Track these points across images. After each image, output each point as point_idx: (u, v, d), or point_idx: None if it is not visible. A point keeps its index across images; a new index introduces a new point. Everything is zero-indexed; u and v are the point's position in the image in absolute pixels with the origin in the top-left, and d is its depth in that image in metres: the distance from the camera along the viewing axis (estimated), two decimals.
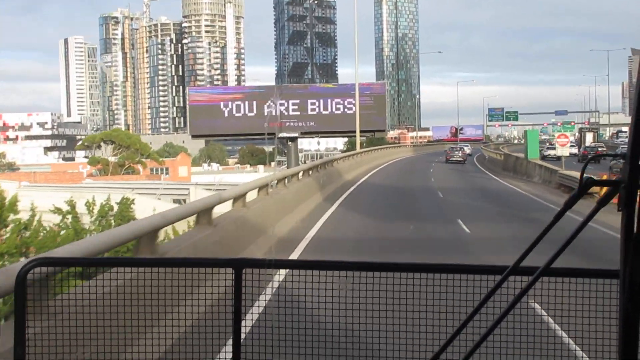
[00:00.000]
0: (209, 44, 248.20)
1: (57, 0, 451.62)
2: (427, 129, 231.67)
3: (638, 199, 1.52)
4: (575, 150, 73.92)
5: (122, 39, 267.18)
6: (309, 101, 58.06)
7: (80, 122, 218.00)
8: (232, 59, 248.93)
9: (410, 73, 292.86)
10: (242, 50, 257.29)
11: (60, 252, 5.12)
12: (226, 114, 57.38)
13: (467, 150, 68.79)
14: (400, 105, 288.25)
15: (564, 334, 3.02)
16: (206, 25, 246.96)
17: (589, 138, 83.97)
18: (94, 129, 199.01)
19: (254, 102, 57.89)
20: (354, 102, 51.73)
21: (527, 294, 1.86)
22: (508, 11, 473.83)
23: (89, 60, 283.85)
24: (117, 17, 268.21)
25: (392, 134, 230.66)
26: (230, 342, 2.45)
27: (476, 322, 1.96)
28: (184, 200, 42.58)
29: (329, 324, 2.65)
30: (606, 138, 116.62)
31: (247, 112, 57.27)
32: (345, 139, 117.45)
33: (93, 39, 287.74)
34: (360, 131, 50.91)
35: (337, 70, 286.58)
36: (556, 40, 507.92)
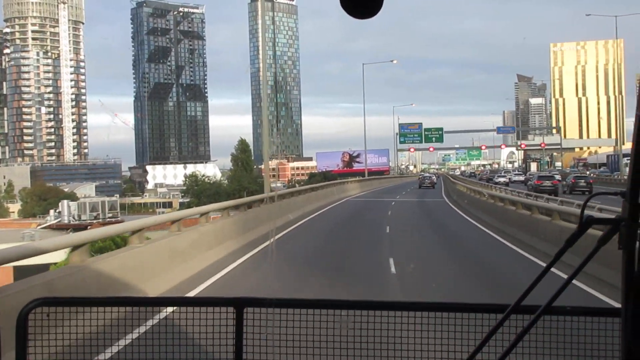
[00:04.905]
0: (38, 54, 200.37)
1: None
2: (310, 159, 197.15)
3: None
4: (522, 178, 73.35)
5: None
6: None
7: None
8: (67, 73, 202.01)
9: (290, 96, 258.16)
10: (82, 63, 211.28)
11: None
12: None
13: (434, 178, 76.48)
14: (280, 132, 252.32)
15: None
16: (34, 31, 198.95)
17: (533, 167, 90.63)
18: None
19: None
20: None
21: (528, 333, 1.85)
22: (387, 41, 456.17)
23: None
24: None
25: (269, 164, 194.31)
26: None
27: None
28: None
29: None
30: (562, 166, 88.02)
31: None
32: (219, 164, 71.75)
33: None
34: None
35: (206, 91, 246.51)
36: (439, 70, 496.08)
